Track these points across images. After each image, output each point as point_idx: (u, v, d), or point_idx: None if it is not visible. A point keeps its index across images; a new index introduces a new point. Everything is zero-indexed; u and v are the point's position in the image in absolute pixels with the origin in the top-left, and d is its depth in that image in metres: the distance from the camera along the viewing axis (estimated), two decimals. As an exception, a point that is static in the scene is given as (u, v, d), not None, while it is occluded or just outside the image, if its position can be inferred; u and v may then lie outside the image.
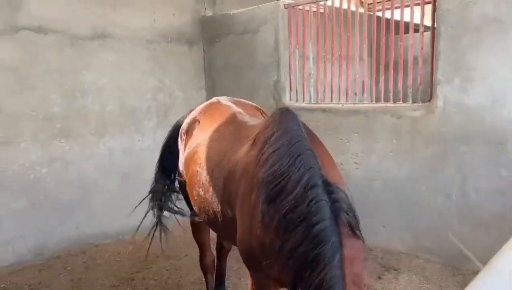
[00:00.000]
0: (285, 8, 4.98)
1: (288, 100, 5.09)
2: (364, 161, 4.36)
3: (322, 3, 4.67)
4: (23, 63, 4.30)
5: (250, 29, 5.32)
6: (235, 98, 3.28)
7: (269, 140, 1.94)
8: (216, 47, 5.81)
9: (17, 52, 4.25)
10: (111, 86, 5.00)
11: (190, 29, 5.82)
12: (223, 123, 2.71)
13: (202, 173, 2.51)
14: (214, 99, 3.20)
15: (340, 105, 4.57)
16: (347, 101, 4.59)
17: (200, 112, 3.05)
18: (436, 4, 3.66)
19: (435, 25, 3.69)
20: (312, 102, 4.92)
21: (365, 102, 4.44)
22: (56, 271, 4.31)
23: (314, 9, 4.83)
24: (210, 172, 2.44)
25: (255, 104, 3.30)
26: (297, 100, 5.07)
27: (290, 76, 5.09)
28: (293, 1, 4.96)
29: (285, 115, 2.06)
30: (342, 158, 4.53)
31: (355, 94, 4.50)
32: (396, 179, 4.13)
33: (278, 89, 5.10)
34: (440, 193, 3.82)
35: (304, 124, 2.08)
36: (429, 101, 3.83)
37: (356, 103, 4.48)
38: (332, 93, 4.72)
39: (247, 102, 3.27)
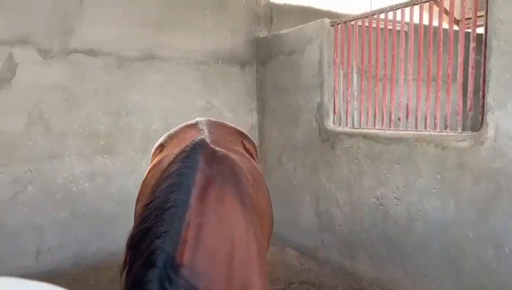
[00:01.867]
0: (331, 25, 4.64)
1: (331, 124, 4.70)
2: (405, 197, 3.77)
3: (379, 17, 4.21)
4: (73, 83, 4.64)
5: (297, 49, 5.07)
6: (219, 121, 3.08)
7: (155, 185, 1.52)
8: (267, 68, 5.67)
9: (68, 73, 4.60)
10: (156, 106, 5.14)
11: (242, 50, 5.77)
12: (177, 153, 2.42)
13: (135, 216, 2.24)
14: (192, 121, 3.03)
15: (381, 131, 4.06)
16: (390, 126, 4.06)
17: (168, 136, 2.87)
18: (488, 13, 3.04)
19: (486, 39, 3.06)
20: (355, 126, 4.46)
21: (409, 128, 3.87)
22: (87, 282, 4.47)
23: (360, 23, 4.41)
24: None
25: (240, 130, 3.06)
26: (340, 124, 4.65)
27: (334, 98, 4.70)
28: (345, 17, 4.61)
29: (190, 151, 1.61)
30: (382, 192, 3.98)
31: (398, 119, 3.95)
32: (439, 221, 3.47)
33: (321, 112, 4.74)
34: (490, 242, 3.09)
35: (221, 162, 1.64)
36: (478, 130, 3.17)
37: (399, 130, 3.93)
38: (375, 117, 4.22)
39: (232, 126, 3.04)
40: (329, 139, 4.62)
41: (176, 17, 5.23)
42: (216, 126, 2.88)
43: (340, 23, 4.55)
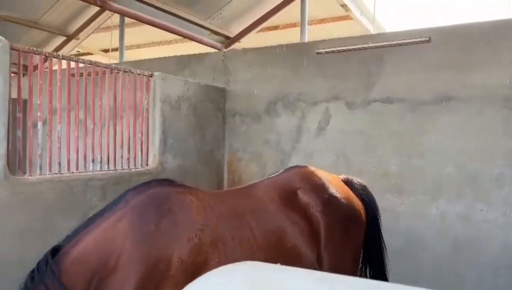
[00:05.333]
0: None
1: None
2: None
3: None
4: (371, 128, 5.37)
5: None
6: (300, 169, 3.20)
7: None
8: None
9: (367, 120, 5.40)
10: (451, 149, 4.88)
11: None
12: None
13: None
14: (308, 167, 3.31)
15: None
16: None
17: None
18: None
19: None
20: None
21: None
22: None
23: None
24: None
25: (308, 178, 3.05)
26: None
27: None
28: None
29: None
30: None
31: None
32: None
33: None
34: None
35: (144, 199, 2.51)
36: None
37: None
38: None
39: (300, 174, 3.10)
40: None
41: (479, 53, 4.76)
42: (285, 173, 3.16)
43: None
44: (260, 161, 6.15)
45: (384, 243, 3.54)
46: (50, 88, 4.02)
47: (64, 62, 4.17)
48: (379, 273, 3.45)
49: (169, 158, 5.32)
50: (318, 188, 3.09)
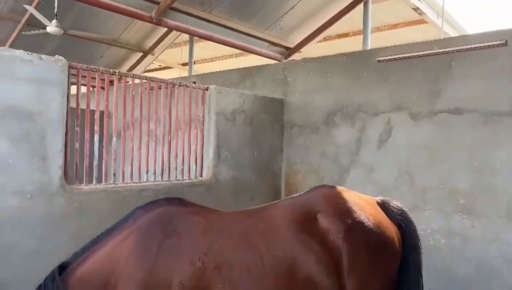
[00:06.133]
0: None
1: None
2: None
3: None
4: (437, 141, 4.89)
5: None
6: (326, 189, 2.91)
7: None
8: None
9: (432, 132, 4.93)
10: (531, 166, 4.25)
11: None
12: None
13: None
14: (336, 188, 3.01)
15: None
16: None
17: None
18: None
19: None
20: None
21: None
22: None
23: None
24: None
25: (332, 200, 2.77)
26: None
27: None
28: None
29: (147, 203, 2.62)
30: None
31: None
32: None
33: None
34: None
35: (146, 220, 2.56)
36: None
37: None
38: None
39: (324, 195, 2.82)
40: None
41: None
42: (309, 194, 2.94)
43: None
44: (317, 175, 5.94)
45: (421, 275, 3.11)
46: (106, 102, 4.28)
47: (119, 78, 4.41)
48: None
49: (223, 170, 5.36)
50: (342, 212, 2.77)
